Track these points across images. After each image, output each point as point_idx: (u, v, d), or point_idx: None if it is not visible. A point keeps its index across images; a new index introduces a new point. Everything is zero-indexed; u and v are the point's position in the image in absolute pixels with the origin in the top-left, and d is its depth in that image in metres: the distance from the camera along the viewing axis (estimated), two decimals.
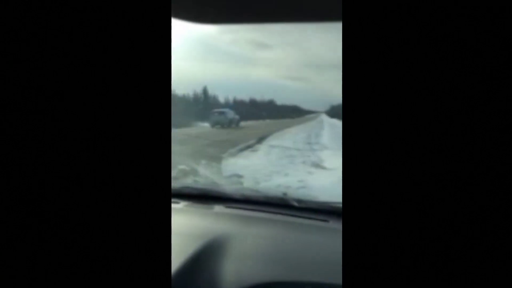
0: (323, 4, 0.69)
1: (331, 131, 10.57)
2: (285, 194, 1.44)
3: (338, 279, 0.87)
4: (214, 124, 9.59)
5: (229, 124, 9.59)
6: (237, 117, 10.13)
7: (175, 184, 1.56)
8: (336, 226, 1.22)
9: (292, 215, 1.30)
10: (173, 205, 1.30)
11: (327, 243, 1.11)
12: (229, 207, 1.39)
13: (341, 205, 1.29)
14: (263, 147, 7.53)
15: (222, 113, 9.94)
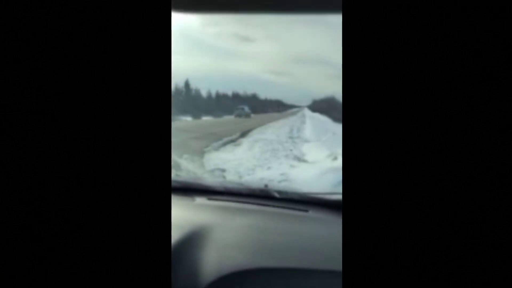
0: None
1: (313, 125, 10.75)
2: (266, 186, 1.45)
3: (317, 265, 0.89)
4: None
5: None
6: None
7: None
8: (315, 215, 1.24)
9: (273, 206, 1.32)
10: None
11: (307, 231, 1.14)
12: (211, 199, 1.39)
13: (320, 196, 1.32)
14: (246, 141, 7.53)
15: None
